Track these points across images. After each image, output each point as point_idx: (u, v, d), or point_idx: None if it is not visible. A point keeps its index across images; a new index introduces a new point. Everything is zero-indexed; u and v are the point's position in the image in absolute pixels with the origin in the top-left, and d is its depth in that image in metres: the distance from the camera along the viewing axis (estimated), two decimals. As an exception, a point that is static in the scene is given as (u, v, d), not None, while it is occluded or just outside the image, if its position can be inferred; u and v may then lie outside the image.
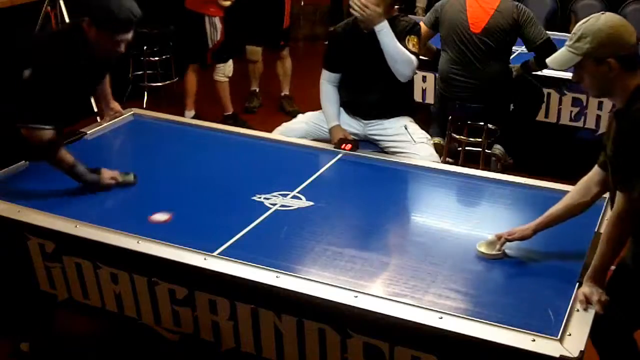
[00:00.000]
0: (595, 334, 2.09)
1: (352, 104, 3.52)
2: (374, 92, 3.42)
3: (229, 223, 2.61)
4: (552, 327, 2.01)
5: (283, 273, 2.27)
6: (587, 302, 2.09)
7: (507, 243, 2.42)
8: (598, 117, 4.44)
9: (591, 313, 2.07)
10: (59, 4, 4.81)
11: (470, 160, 4.19)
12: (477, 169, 3.50)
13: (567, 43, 2.17)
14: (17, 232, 2.65)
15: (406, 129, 3.45)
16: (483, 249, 2.43)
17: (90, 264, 2.55)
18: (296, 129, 3.56)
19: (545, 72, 4.28)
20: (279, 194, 2.83)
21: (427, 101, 4.86)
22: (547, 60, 2.26)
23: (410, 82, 3.44)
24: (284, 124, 3.65)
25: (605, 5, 5.92)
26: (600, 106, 4.40)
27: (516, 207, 2.83)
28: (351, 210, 2.85)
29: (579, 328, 2.01)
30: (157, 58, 5.98)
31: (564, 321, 2.02)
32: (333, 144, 3.34)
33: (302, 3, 8.25)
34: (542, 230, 2.40)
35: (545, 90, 4.41)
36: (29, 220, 2.60)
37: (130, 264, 2.47)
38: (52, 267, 2.65)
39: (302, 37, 8.11)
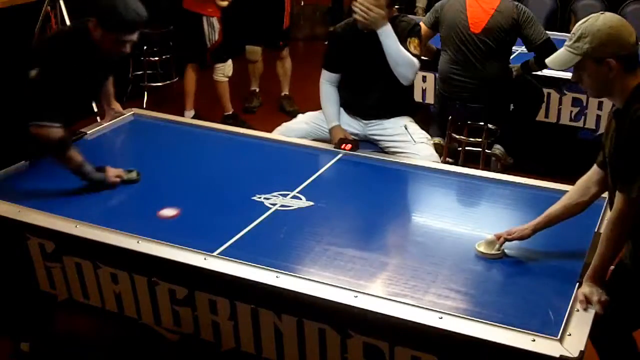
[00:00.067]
0: (595, 334, 2.09)
1: (352, 104, 3.52)
2: (374, 92, 3.42)
3: (229, 223, 2.61)
4: (552, 327, 2.01)
5: (283, 273, 2.27)
6: (587, 302, 2.09)
7: (507, 243, 2.42)
8: (598, 117, 4.44)
9: (591, 313, 2.07)
10: (59, 4, 4.80)
11: (470, 160, 4.19)
12: (477, 169, 3.50)
13: (566, 43, 2.17)
14: (17, 232, 2.65)
15: (406, 129, 3.45)
16: (482, 249, 2.43)
17: (90, 264, 2.55)
18: (296, 129, 3.56)
19: (545, 72, 4.28)
20: (279, 194, 2.83)
21: (427, 101, 4.86)
22: (547, 61, 2.26)
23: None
24: (284, 124, 3.65)
25: (605, 5, 5.91)
26: (600, 106, 4.40)
27: (516, 207, 2.83)
28: (351, 210, 2.85)
29: (579, 328, 2.01)
30: (157, 58, 5.98)
31: (564, 321, 2.02)
32: (333, 144, 3.34)
33: (302, 3, 8.25)
34: (541, 229, 2.41)
35: (545, 90, 4.41)
36: (29, 220, 2.60)
37: (130, 264, 2.47)
38: (52, 267, 2.65)
39: (302, 37, 8.11)
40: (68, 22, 4.78)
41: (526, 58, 4.20)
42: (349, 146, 3.28)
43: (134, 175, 2.92)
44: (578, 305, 2.10)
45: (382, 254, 2.49)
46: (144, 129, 3.54)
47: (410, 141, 3.40)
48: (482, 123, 4.14)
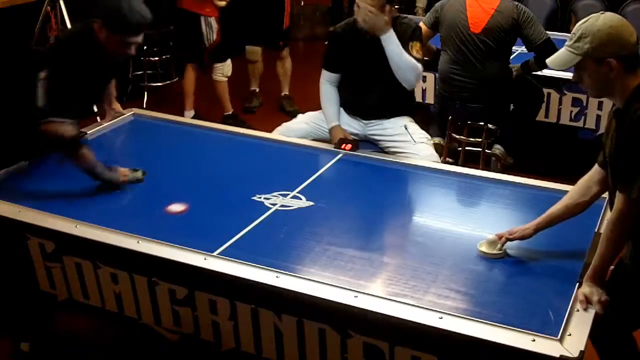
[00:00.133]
0: (595, 334, 2.09)
1: (352, 104, 3.52)
2: (374, 92, 3.42)
3: (229, 223, 2.61)
4: (552, 327, 2.01)
5: (283, 273, 2.27)
6: (587, 302, 2.09)
7: (508, 243, 2.42)
8: (598, 117, 4.44)
9: (591, 313, 2.07)
10: (59, 4, 4.81)
11: (470, 160, 4.19)
12: (477, 169, 3.50)
13: (566, 43, 2.17)
14: (17, 232, 2.65)
15: (406, 129, 3.45)
16: (484, 249, 2.43)
17: (90, 264, 2.55)
18: (296, 129, 3.56)
19: (545, 72, 4.28)
20: (279, 194, 2.83)
21: (427, 101, 4.86)
22: (547, 61, 2.26)
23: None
24: (284, 124, 3.65)
25: (605, 5, 5.91)
26: (600, 106, 4.40)
27: (516, 207, 2.83)
28: (351, 210, 2.85)
29: (579, 328, 2.01)
30: (157, 58, 5.98)
31: (564, 321, 2.02)
32: (333, 144, 3.34)
33: (302, 3, 8.25)
34: (542, 229, 2.40)
35: (545, 90, 4.40)
36: (29, 220, 2.60)
37: (130, 264, 2.47)
38: (52, 267, 2.65)
39: (302, 37, 8.11)
40: (68, 22, 4.79)
41: (526, 58, 4.20)
42: (349, 146, 3.28)
43: (139, 174, 2.93)
44: (578, 305, 2.10)
45: (382, 254, 2.49)
46: (144, 129, 3.54)
47: (410, 141, 3.40)
48: (482, 123, 4.14)
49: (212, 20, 5.15)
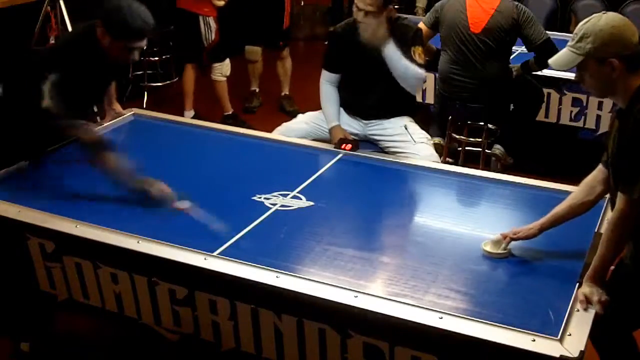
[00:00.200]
0: (596, 334, 2.09)
1: (352, 104, 3.52)
2: (374, 92, 3.42)
3: (229, 223, 2.61)
4: (552, 327, 2.01)
5: (283, 273, 2.27)
6: (587, 302, 2.09)
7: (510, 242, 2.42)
8: (598, 117, 4.44)
9: (591, 313, 2.07)
10: (59, 4, 4.80)
11: (470, 160, 4.19)
12: (477, 169, 3.50)
13: (569, 43, 2.16)
14: (17, 232, 2.65)
15: (406, 129, 3.45)
16: (489, 248, 2.42)
17: (90, 264, 2.55)
18: (296, 129, 3.56)
19: (545, 72, 4.28)
20: (279, 194, 2.83)
21: (427, 101, 4.86)
22: (549, 61, 2.26)
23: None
24: (284, 124, 3.65)
25: (605, 5, 5.91)
26: (600, 106, 4.40)
27: (516, 207, 2.83)
28: (351, 210, 2.85)
29: (579, 328, 2.01)
30: (157, 58, 5.98)
31: (564, 321, 2.02)
32: (333, 144, 3.34)
33: (302, 3, 8.24)
34: (547, 229, 2.40)
35: (545, 90, 4.40)
36: (29, 220, 2.60)
37: (130, 264, 2.47)
38: (52, 267, 2.65)
39: (302, 37, 8.11)
40: (68, 22, 4.78)
41: (526, 58, 4.20)
42: (349, 146, 3.28)
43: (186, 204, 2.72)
44: (578, 305, 2.10)
45: (382, 254, 2.49)
46: (144, 129, 3.54)
47: (410, 141, 3.40)
48: (482, 123, 4.14)
49: (211, 20, 5.15)
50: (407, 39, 3.28)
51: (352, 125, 3.52)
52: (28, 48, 4.70)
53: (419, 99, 4.74)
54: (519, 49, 4.48)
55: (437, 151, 3.57)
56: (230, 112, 5.50)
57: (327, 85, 3.51)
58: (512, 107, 4.28)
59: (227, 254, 2.39)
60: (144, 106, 5.59)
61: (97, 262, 2.53)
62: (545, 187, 2.89)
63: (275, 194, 2.83)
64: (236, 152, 3.33)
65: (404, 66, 3.21)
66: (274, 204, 2.76)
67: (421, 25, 4.18)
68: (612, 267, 2.24)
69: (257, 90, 6.05)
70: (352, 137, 3.44)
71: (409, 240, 2.64)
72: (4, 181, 2.92)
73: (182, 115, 5.07)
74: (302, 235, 2.57)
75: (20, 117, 2.95)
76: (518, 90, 4.22)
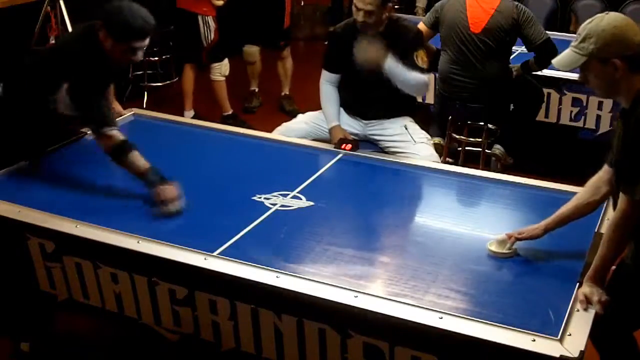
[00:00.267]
0: (595, 334, 2.09)
1: (352, 104, 3.52)
2: (374, 92, 3.42)
3: (229, 223, 2.61)
4: (552, 327, 2.01)
5: (283, 273, 2.27)
6: (587, 302, 2.09)
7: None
8: (598, 117, 4.44)
9: (591, 313, 2.07)
10: (59, 4, 4.80)
11: (470, 160, 4.19)
12: (477, 169, 3.50)
13: (572, 44, 2.16)
14: (17, 232, 2.65)
15: (406, 129, 3.45)
16: (494, 248, 2.42)
17: (90, 264, 2.55)
18: (296, 129, 3.56)
19: (545, 72, 4.28)
20: (279, 194, 2.83)
21: (427, 101, 4.86)
22: (553, 62, 2.26)
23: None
24: (284, 124, 3.65)
25: (605, 5, 5.91)
26: (600, 106, 4.40)
27: (516, 207, 2.83)
28: (351, 210, 2.85)
29: (579, 328, 2.01)
30: (157, 58, 5.98)
31: (564, 321, 2.02)
32: (333, 144, 3.34)
33: (302, 3, 8.25)
34: (552, 230, 2.39)
35: (545, 90, 4.40)
36: (29, 220, 2.60)
37: (130, 264, 2.47)
38: (52, 267, 2.65)
39: (302, 37, 8.11)
40: (68, 22, 4.78)
41: (526, 58, 4.19)
42: (349, 146, 3.28)
43: (175, 207, 2.71)
44: (578, 305, 2.10)
45: (382, 254, 2.49)
46: (144, 129, 3.54)
47: (410, 141, 3.40)
48: (482, 123, 4.14)
49: (210, 20, 5.15)
50: (407, 41, 3.28)
51: (352, 125, 3.52)
52: (28, 48, 4.70)
53: (419, 99, 4.74)
54: (519, 49, 4.48)
55: (437, 151, 3.57)
56: (229, 113, 5.49)
57: (327, 85, 3.51)
58: (512, 107, 4.28)
59: (227, 254, 2.39)
60: (144, 106, 5.59)
61: (97, 262, 2.53)
62: (545, 187, 2.89)
63: (275, 194, 2.83)
64: (236, 152, 3.33)
65: (407, 79, 3.23)
66: (274, 204, 2.76)
67: (421, 25, 4.18)
68: (614, 267, 2.24)
69: (257, 90, 6.05)
70: (352, 137, 3.44)
71: (409, 240, 2.64)
72: (4, 181, 2.92)
73: (182, 115, 5.07)
74: (302, 235, 2.57)
75: (20, 117, 2.96)
76: (518, 90, 4.22)
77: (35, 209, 2.64)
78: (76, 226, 2.54)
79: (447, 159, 4.22)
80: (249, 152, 3.33)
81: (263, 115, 5.79)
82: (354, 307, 2.12)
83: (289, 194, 2.84)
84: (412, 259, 2.44)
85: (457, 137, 4.24)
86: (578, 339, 1.95)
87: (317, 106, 3.59)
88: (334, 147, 3.30)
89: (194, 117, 5.12)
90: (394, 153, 3.39)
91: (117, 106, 3.53)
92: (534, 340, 1.94)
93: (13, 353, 2.95)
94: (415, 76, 3.24)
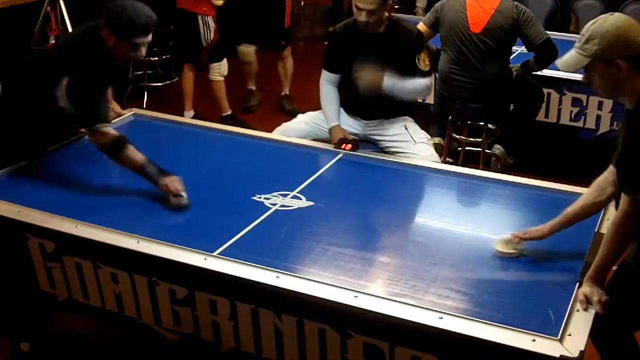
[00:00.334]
0: (596, 334, 2.09)
1: (352, 104, 3.52)
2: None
3: (229, 223, 2.61)
4: (552, 327, 2.01)
5: (283, 273, 2.27)
6: (587, 302, 2.09)
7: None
8: (598, 117, 4.44)
9: (591, 313, 2.07)
10: (59, 4, 4.80)
11: (470, 160, 4.19)
12: (477, 169, 3.50)
13: (575, 45, 2.16)
14: (17, 232, 2.65)
15: (406, 129, 3.45)
16: (500, 248, 2.42)
17: (90, 264, 2.55)
18: (296, 129, 3.56)
19: (545, 72, 4.28)
20: (279, 194, 2.83)
21: (427, 101, 4.86)
22: (557, 63, 2.26)
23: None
24: (284, 124, 3.65)
25: (605, 5, 5.91)
26: (600, 106, 4.40)
27: (516, 207, 2.83)
28: (351, 210, 2.85)
29: (579, 328, 2.01)
30: (157, 58, 5.98)
31: (564, 321, 2.03)
32: (333, 144, 3.34)
33: (302, 3, 8.25)
34: (558, 230, 2.39)
35: (545, 90, 4.40)
36: (29, 220, 2.60)
37: (130, 264, 2.47)
38: (52, 267, 2.65)
39: (302, 37, 8.10)
40: (68, 22, 4.78)
41: (526, 58, 4.19)
42: (349, 146, 3.28)
43: (183, 201, 2.74)
44: (578, 305, 2.10)
45: (382, 254, 2.49)
46: (144, 129, 3.54)
47: (410, 141, 3.40)
48: (482, 123, 4.14)
49: (210, 19, 5.15)
50: (407, 42, 3.28)
51: (352, 125, 3.52)
52: (28, 48, 4.70)
53: (419, 99, 4.75)
54: (519, 49, 4.48)
55: (437, 151, 3.58)
56: (228, 113, 5.48)
57: (327, 85, 3.51)
58: (512, 107, 4.28)
59: (227, 254, 2.39)
60: (144, 106, 5.58)
61: (97, 262, 2.53)
62: (545, 187, 2.89)
63: (275, 194, 2.83)
64: (236, 152, 3.33)
65: (408, 90, 3.26)
66: (274, 204, 2.76)
67: (421, 25, 4.19)
68: (615, 268, 2.24)
69: (255, 88, 6.04)
70: (352, 137, 3.44)
71: (409, 240, 2.64)
72: (4, 181, 2.92)
73: (182, 115, 5.07)
74: (302, 235, 2.57)
75: (20, 117, 2.96)
76: (518, 90, 4.22)
77: (35, 209, 2.64)
78: (76, 226, 2.54)
79: (447, 159, 4.22)
80: (249, 152, 3.33)
81: (263, 115, 5.79)
82: (354, 307, 2.12)
83: (289, 194, 2.84)
84: (412, 259, 2.44)
85: (457, 137, 4.24)
86: (578, 339, 1.95)
87: (317, 106, 3.59)
88: (334, 147, 3.30)
89: (194, 117, 5.12)
90: (394, 153, 3.39)
91: (116, 107, 3.53)
92: (534, 340, 1.94)
93: (13, 353, 2.95)
94: (416, 84, 3.26)
